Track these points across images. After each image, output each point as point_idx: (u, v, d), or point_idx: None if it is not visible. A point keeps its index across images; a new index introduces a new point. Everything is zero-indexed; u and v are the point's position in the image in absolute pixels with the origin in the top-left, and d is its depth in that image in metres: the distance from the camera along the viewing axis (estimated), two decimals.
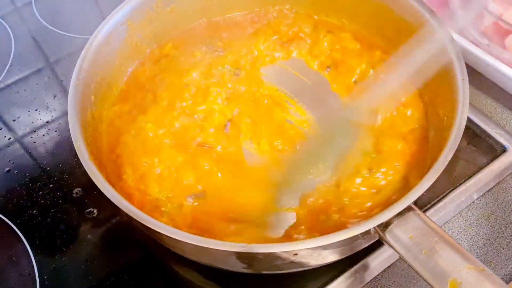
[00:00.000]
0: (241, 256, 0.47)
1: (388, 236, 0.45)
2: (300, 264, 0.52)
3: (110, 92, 0.66)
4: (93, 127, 0.59)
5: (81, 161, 0.51)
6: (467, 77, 0.55)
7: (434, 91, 0.61)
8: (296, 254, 0.46)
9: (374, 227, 0.44)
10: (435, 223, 0.45)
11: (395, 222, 0.45)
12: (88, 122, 0.58)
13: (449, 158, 0.48)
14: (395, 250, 0.45)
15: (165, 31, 0.73)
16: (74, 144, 0.52)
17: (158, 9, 0.69)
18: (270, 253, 0.45)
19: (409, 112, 0.63)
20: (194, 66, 0.69)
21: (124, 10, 0.65)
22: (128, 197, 0.54)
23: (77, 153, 0.51)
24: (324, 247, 0.46)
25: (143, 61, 0.71)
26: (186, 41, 0.73)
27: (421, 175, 0.49)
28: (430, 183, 0.46)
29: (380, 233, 0.45)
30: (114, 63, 0.66)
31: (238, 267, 0.51)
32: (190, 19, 0.75)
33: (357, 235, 0.44)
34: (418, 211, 0.46)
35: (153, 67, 0.71)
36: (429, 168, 0.48)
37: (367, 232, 0.45)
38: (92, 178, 0.49)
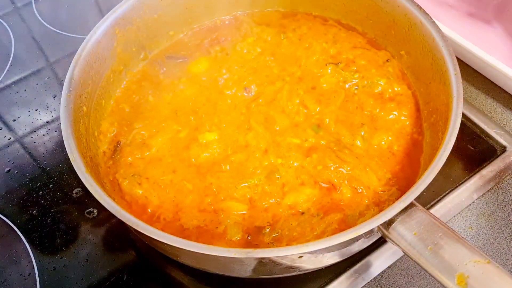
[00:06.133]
0: (244, 261, 0.47)
1: (392, 234, 0.45)
2: (301, 267, 0.52)
3: (101, 103, 0.66)
4: (86, 138, 0.59)
5: (78, 174, 0.50)
6: (459, 72, 0.54)
7: (427, 89, 0.61)
8: (301, 256, 0.46)
9: (377, 226, 0.44)
10: (438, 218, 0.45)
11: (398, 219, 0.45)
12: (81, 133, 0.57)
13: (448, 152, 0.48)
14: (399, 247, 0.45)
15: (154, 40, 0.72)
16: (69, 156, 0.52)
17: (146, 16, 0.69)
18: (275, 257, 0.45)
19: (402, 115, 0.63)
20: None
21: (112, 18, 0.65)
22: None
23: (73, 165, 0.51)
24: (328, 249, 0.46)
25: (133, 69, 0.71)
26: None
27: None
28: (432, 178, 0.46)
29: (384, 231, 0.45)
30: (104, 72, 0.65)
31: (242, 272, 0.51)
32: (178, 28, 0.74)
33: (360, 235, 0.44)
34: (420, 207, 0.46)
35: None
36: (429, 164, 0.48)
37: (371, 231, 0.45)
38: (91, 191, 0.49)
